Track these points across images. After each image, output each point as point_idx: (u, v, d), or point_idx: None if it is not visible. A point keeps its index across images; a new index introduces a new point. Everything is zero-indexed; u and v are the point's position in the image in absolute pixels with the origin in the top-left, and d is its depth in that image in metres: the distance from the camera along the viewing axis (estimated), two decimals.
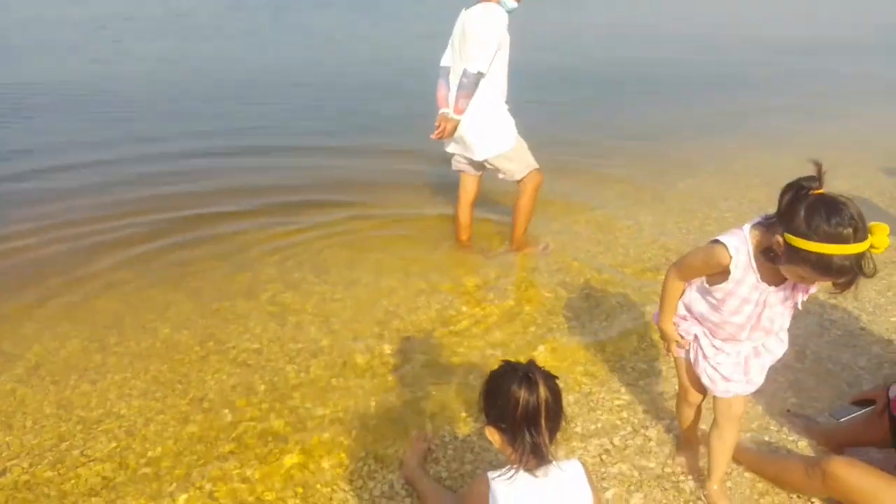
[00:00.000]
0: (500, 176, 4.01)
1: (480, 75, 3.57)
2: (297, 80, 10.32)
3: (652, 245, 4.49)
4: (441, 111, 3.78)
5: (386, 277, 4.02)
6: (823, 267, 1.56)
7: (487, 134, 3.79)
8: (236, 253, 4.36)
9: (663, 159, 6.48)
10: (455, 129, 3.73)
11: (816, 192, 1.57)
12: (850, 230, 1.52)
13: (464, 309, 3.66)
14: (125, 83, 9.67)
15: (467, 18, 3.65)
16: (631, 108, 8.76)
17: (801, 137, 7.19)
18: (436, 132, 3.77)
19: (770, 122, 8.06)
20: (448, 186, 4.87)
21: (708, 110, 8.79)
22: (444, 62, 3.88)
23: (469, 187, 4.14)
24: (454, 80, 3.73)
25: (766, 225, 1.72)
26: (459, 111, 3.66)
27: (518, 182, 3.99)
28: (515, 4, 3.70)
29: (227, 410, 2.84)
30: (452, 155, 4.05)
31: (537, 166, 3.97)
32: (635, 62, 12.42)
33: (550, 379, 1.52)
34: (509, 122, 3.86)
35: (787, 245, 1.60)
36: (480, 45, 3.52)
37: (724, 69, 12.08)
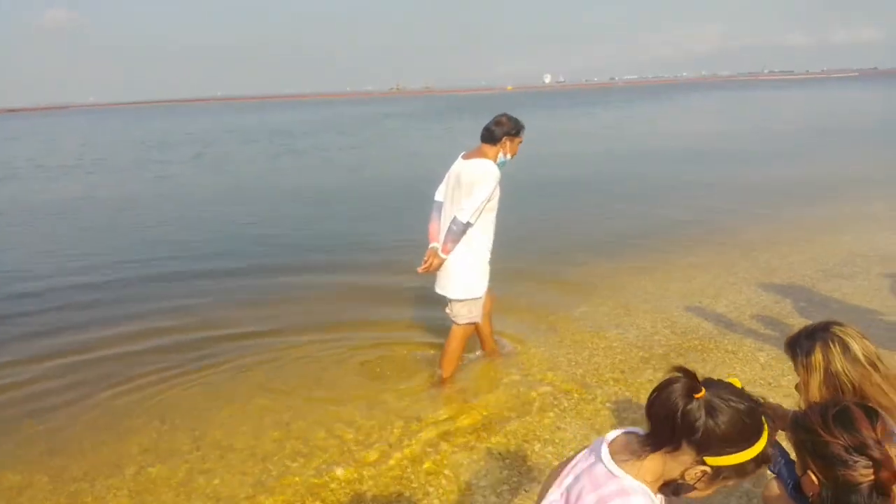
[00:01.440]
0: (447, 311, 4.11)
1: (469, 225, 3.82)
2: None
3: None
4: (431, 245, 3.99)
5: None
6: (747, 470, 1.34)
7: (461, 277, 3.95)
8: None
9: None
10: (440, 265, 3.94)
11: (699, 395, 1.33)
12: (762, 416, 1.33)
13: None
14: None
15: (463, 170, 3.88)
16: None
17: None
18: (423, 265, 3.95)
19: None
20: None
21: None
22: (437, 197, 4.10)
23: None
24: (445, 219, 3.95)
25: (652, 456, 1.39)
26: (446, 252, 3.89)
27: (455, 325, 4.10)
28: (508, 158, 3.97)
29: None
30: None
31: (478, 320, 4.14)
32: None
33: None
34: (484, 274, 4.01)
35: (713, 469, 1.34)
36: (472, 200, 3.76)
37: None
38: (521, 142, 4.01)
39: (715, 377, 1.40)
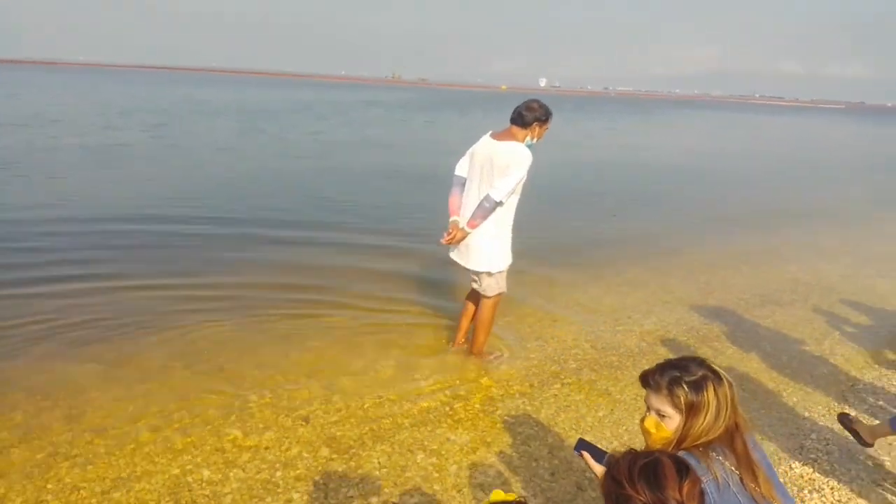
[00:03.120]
0: (475, 286, 4.28)
1: (500, 204, 3.93)
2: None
3: None
4: (452, 218, 4.10)
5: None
6: None
7: (487, 250, 4.06)
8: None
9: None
10: (463, 238, 4.04)
11: None
12: None
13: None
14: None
15: (496, 150, 3.96)
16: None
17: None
18: (446, 237, 4.06)
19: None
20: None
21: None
22: (458, 171, 4.18)
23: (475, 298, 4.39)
24: (471, 194, 4.05)
25: None
26: (472, 226, 4.00)
27: (485, 297, 4.24)
28: (534, 142, 4.06)
29: None
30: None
31: (505, 290, 4.29)
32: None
33: None
34: (508, 247, 4.16)
35: None
36: (507, 181, 3.87)
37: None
38: (547, 128, 4.10)
39: None
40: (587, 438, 2.07)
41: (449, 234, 4.06)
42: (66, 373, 4.02)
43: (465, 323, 4.57)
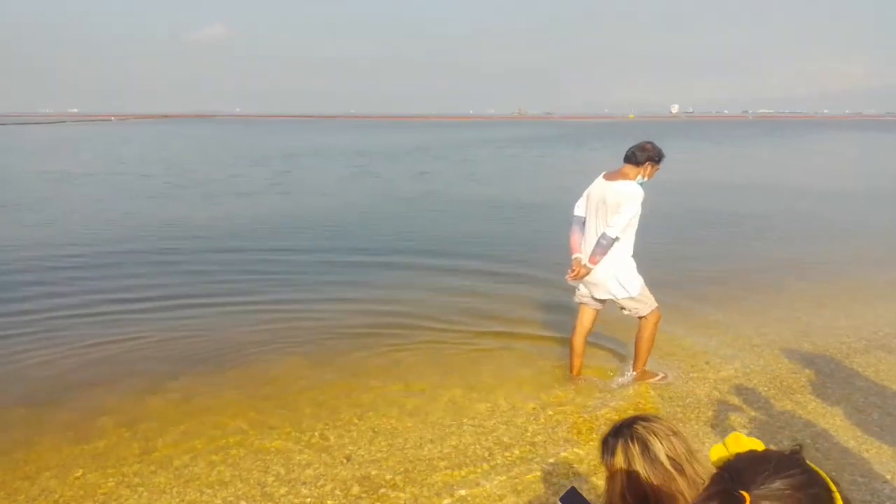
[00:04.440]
0: (625, 312, 4.51)
1: (616, 239, 4.23)
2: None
3: None
4: (575, 255, 4.41)
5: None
6: None
7: (614, 279, 4.33)
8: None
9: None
10: (587, 273, 4.33)
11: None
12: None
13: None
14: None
15: (609, 189, 4.27)
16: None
17: None
18: (571, 274, 4.38)
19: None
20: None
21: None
22: (577, 212, 4.49)
23: (587, 319, 4.64)
24: (589, 232, 4.37)
25: None
26: (594, 262, 4.28)
27: (641, 318, 4.48)
28: (645, 181, 4.35)
29: None
30: (577, 290, 4.62)
31: (657, 305, 4.48)
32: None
33: None
34: (634, 273, 4.40)
35: None
36: (621, 218, 4.18)
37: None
38: (658, 169, 4.36)
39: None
40: (582, 489, 2.02)
41: (573, 270, 4.37)
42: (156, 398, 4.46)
43: (576, 362, 4.74)
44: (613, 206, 4.22)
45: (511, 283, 7.57)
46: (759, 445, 1.11)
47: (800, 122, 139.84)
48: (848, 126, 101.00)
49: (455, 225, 11.87)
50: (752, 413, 4.20)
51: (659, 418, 1.88)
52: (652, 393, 4.55)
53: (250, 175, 21.01)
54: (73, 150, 35.87)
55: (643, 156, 4.27)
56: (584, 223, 4.46)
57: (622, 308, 4.52)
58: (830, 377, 4.79)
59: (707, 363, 5.07)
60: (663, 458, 1.78)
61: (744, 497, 0.97)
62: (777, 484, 0.98)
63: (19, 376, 4.98)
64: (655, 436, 1.82)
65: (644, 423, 1.85)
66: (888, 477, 3.44)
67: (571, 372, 4.76)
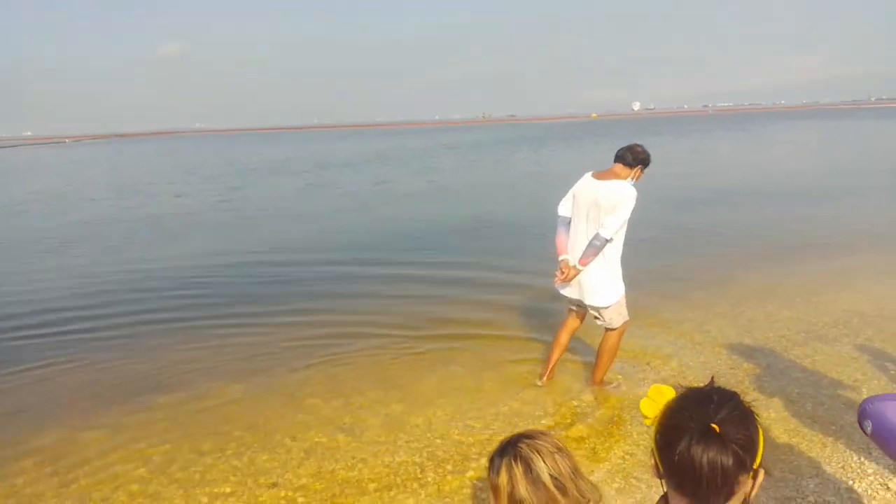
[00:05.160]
0: (599, 322, 4.43)
1: (610, 241, 4.12)
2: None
3: None
4: (562, 257, 4.29)
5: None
6: None
7: (603, 285, 4.23)
8: None
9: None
10: (576, 275, 4.23)
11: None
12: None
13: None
14: None
15: (601, 189, 4.15)
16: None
17: None
18: (560, 276, 4.29)
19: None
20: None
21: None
22: (562, 212, 4.37)
23: (576, 319, 4.59)
24: (577, 233, 4.24)
25: None
26: (584, 264, 4.18)
27: (608, 329, 4.42)
28: (633, 183, 4.28)
29: None
30: (564, 297, 4.49)
31: (629, 318, 4.44)
32: None
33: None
34: (620, 279, 4.33)
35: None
36: (616, 219, 4.08)
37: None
38: (644, 174, 4.36)
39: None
40: None
41: (562, 272, 4.27)
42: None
43: (556, 355, 4.63)
44: (608, 207, 4.10)
45: (459, 289, 7.51)
46: (672, 391, 1.29)
47: (758, 114, 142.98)
48: (804, 115, 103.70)
49: (404, 232, 11.79)
50: None
51: (545, 434, 1.82)
52: (588, 395, 4.52)
53: (197, 193, 20.55)
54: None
55: (635, 158, 4.24)
56: (569, 224, 4.34)
57: (597, 318, 4.42)
58: (768, 370, 4.82)
59: (648, 364, 5.06)
60: (546, 478, 1.72)
61: (714, 429, 1.15)
62: (725, 411, 1.18)
63: None
64: (539, 454, 1.76)
65: (528, 441, 1.79)
66: (814, 472, 3.44)
67: (546, 367, 4.64)
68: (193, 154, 52.76)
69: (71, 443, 4.21)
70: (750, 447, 1.17)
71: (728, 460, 1.15)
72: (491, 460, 1.82)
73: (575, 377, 4.83)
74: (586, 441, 3.89)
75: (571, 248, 4.28)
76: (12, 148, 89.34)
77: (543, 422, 4.15)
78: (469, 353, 5.45)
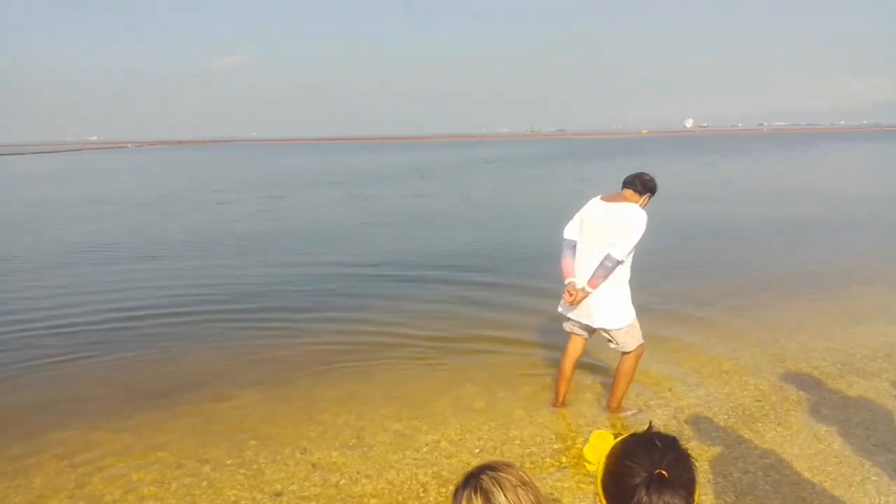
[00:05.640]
0: (612, 346, 4.34)
1: (621, 263, 4.07)
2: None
3: None
4: (568, 280, 4.21)
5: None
6: None
7: (613, 308, 4.16)
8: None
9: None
10: (584, 298, 4.14)
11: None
12: None
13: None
14: None
15: (614, 211, 4.12)
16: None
17: None
18: (567, 299, 4.19)
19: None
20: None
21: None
22: (568, 235, 4.33)
23: (577, 346, 4.49)
24: (585, 256, 4.17)
25: None
26: (594, 286, 4.09)
27: (623, 353, 4.31)
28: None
29: None
30: (567, 319, 4.41)
31: (643, 341, 4.32)
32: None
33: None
34: (630, 302, 4.24)
35: None
36: (628, 240, 4.03)
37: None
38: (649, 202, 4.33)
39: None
40: None
41: (570, 294, 4.16)
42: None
43: (563, 387, 4.57)
44: (620, 229, 4.04)
45: (484, 304, 7.46)
46: (612, 437, 1.36)
47: (815, 134, 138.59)
48: (867, 137, 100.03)
49: (436, 248, 11.79)
50: (706, 443, 4.04)
51: (510, 466, 1.77)
52: (605, 421, 4.41)
53: (238, 201, 20.98)
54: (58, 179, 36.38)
55: (644, 186, 4.23)
56: (574, 247, 4.28)
57: (609, 340, 4.34)
58: (797, 405, 4.61)
59: (670, 390, 4.91)
60: None
61: (663, 474, 1.22)
62: (670, 455, 1.25)
63: None
64: (500, 487, 1.70)
65: (491, 473, 1.74)
66: None
67: (556, 398, 4.60)
68: (245, 162, 54.10)
69: (91, 441, 4.32)
70: (693, 489, 1.25)
71: (680, 502, 1.22)
72: (455, 490, 1.78)
73: (592, 402, 4.72)
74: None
75: (578, 271, 4.20)
76: (76, 152, 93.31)
77: (555, 446, 4.06)
78: (487, 371, 5.39)
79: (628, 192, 4.22)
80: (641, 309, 6.40)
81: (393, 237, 13.09)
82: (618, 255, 4.03)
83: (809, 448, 3.95)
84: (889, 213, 15.22)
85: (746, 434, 4.15)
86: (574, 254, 4.25)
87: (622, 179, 4.29)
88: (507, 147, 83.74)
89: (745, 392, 4.85)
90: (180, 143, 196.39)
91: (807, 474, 3.64)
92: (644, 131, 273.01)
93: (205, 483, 3.76)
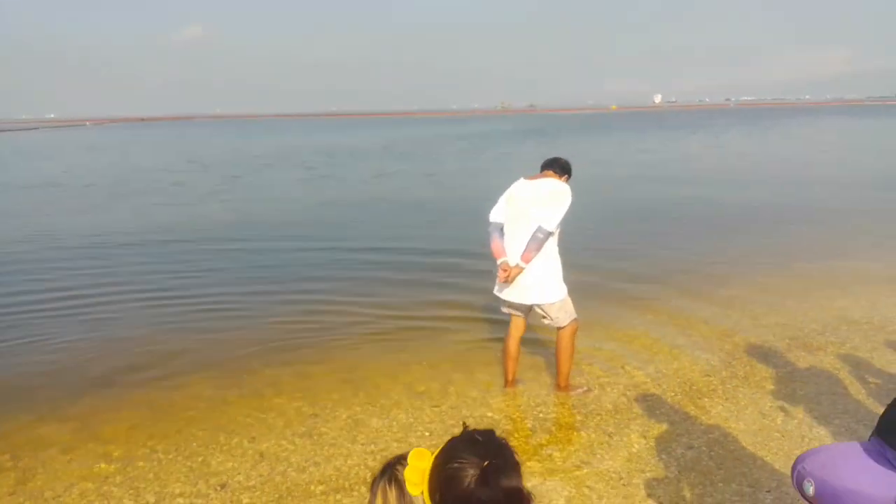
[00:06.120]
0: (546, 322, 4.41)
1: (551, 234, 4.15)
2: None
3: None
4: (500, 260, 4.25)
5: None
6: None
7: (546, 283, 4.22)
8: None
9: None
10: (518, 273, 4.17)
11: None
12: None
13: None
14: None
15: (539, 186, 4.26)
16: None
17: None
18: (503, 275, 4.20)
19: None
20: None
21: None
22: (494, 218, 4.36)
23: (518, 325, 4.52)
24: (515, 234, 4.21)
25: None
26: (527, 260, 4.13)
27: (559, 329, 4.35)
28: None
29: None
30: (503, 302, 4.45)
31: (577, 316, 4.37)
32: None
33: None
34: (561, 275, 4.31)
35: None
36: (557, 211, 4.14)
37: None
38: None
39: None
40: None
41: (504, 271, 4.19)
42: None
43: (511, 366, 4.59)
44: (547, 202, 4.16)
45: (444, 282, 7.44)
46: (429, 452, 1.32)
47: (781, 108, 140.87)
48: (829, 112, 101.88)
49: (398, 222, 11.73)
50: (653, 419, 4.10)
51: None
52: (552, 400, 4.44)
53: (196, 182, 20.48)
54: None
55: (563, 168, 4.43)
56: (501, 229, 4.33)
57: (543, 317, 4.39)
58: (744, 380, 4.69)
59: (623, 367, 4.96)
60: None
61: (495, 463, 1.22)
62: (494, 445, 1.26)
63: None
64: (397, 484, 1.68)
65: (405, 463, 1.72)
66: (773, 485, 3.34)
67: (506, 378, 4.62)
68: (204, 141, 53.00)
69: (35, 435, 4.20)
70: (520, 472, 1.27)
71: (519, 482, 1.24)
72: (373, 481, 1.76)
73: (543, 382, 4.74)
74: (544, 448, 3.81)
75: (509, 250, 4.25)
76: (32, 130, 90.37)
77: (506, 427, 4.08)
78: (442, 352, 5.41)
79: (551, 173, 4.40)
80: (593, 290, 6.48)
81: (354, 217, 12.97)
82: (548, 227, 4.11)
83: (754, 423, 4.02)
84: (845, 194, 15.54)
85: (693, 410, 4.21)
86: (502, 235, 4.31)
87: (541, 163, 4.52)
88: (477, 124, 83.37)
89: (694, 367, 4.93)
90: (142, 119, 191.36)
91: (750, 449, 3.71)
92: (613, 106, 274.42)
93: (150, 475, 3.69)
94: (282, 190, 17.74)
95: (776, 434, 3.88)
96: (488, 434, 1.30)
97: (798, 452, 3.60)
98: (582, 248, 8.62)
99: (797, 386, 4.55)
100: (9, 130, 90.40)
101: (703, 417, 4.11)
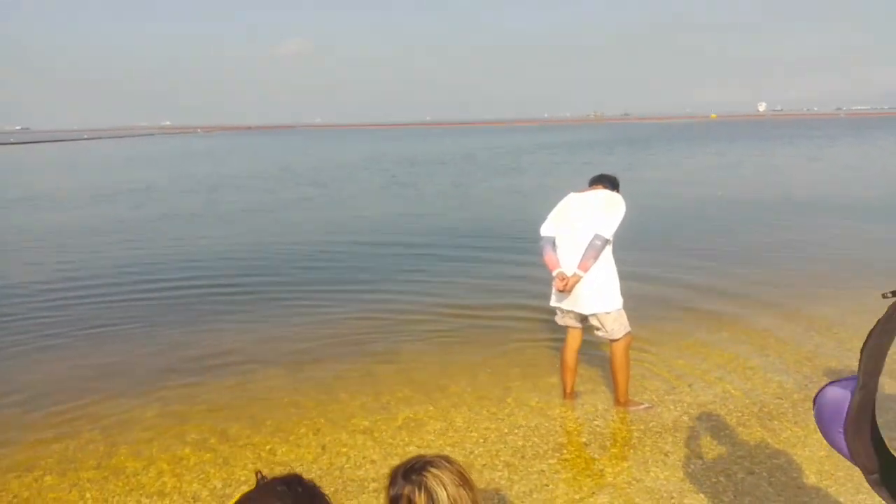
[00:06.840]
0: (599, 333, 4.35)
1: (608, 242, 4.17)
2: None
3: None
4: (556, 271, 4.23)
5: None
6: None
7: (602, 292, 4.20)
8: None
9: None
10: (576, 282, 4.16)
11: None
12: None
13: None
14: None
15: (592, 197, 4.32)
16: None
17: None
18: (559, 285, 4.20)
19: None
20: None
21: None
22: (545, 233, 4.38)
23: (575, 337, 4.51)
24: (569, 245, 4.22)
25: None
26: (585, 268, 4.13)
27: (612, 341, 4.31)
28: None
29: None
30: (557, 311, 4.47)
31: (630, 329, 4.32)
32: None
33: None
34: (618, 287, 4.28)
35: None
36: (614, 220, 4.16)
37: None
38: None
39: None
40: None
41: (562, 280, 4.16)
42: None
43: (568, 378, 4.59)
44: (603, 210, 4.18)
45: (515, 290, 7.47)
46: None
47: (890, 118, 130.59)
48: None
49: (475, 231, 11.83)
50: (715, 440, 3.99)
51: (451, 463, 1.81)
52: (614, 415, 4.39)
53: (284, 189, 21.47)
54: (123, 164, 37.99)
55: (612, 183, 4.46)
56: (553, 243, 4.34)
57: (598, 328, 4.34)
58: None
59: (690, 385, 4.83)
60: None
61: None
62: (294, 493, 1.31)
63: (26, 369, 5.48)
64: (444, 487, 1.74)
65: (434, 471, 1.78)
66: None
67: (564, 390, 4.63)
68: (304, 148, 55.24)
69: (125, 415, 4.61)
70: None
71: None
72: (393, 476, 1.82)
73: (606, 396, 4.69)
74: (597, 462, 3.79)
75: (563, 261, 4.23)
76: (149, 136, 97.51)
77: (560, 440, 4.08)
78: (507, 357, 5.47)
79: (599, 186, 4.45)
80: (669, 302, 6.34)
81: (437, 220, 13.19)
82: (605, 234, 4.11)
83: (822, 451, 3.82)
84: None
85: (759, 433, 4.06)
86: (555, 248, 4.31)
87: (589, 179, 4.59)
88: (566, 132, 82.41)
89: (766, 389, 4.73)
90: (248, 128, 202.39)
91: (814, 478, 3.55)
92: (713, 115, 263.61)
93: (220, 460, 3.95)
94: (363, 198, 18.31)
95: (845, 464, 3.65)
96: (292, 480, 1.31)
97: (867, 486, 3.43)
98: (660, 261, 8.43)
99: (877, 413, 4.27)
100: (129, 136, 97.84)
101: (769, 441, 3.96)
